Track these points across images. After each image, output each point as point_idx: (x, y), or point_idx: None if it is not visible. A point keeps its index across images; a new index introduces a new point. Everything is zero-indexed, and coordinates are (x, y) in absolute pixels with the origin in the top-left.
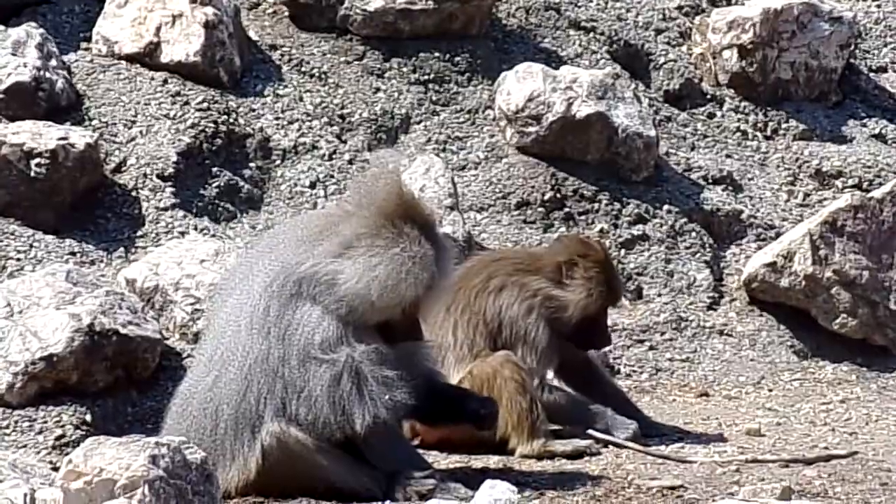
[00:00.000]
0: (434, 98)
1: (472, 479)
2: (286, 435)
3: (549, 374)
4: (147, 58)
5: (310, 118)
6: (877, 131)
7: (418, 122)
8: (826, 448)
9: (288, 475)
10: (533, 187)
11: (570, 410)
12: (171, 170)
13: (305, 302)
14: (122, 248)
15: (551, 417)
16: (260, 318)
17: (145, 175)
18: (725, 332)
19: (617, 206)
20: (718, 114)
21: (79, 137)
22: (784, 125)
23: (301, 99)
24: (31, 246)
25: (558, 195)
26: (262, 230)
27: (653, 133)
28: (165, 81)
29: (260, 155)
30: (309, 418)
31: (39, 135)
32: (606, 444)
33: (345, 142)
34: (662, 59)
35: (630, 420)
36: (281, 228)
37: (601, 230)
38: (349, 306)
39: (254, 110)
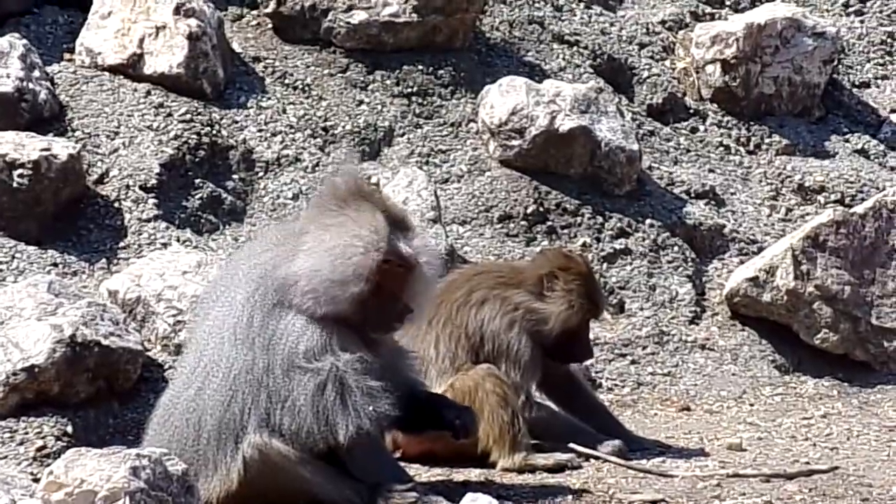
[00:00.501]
0: (417, 111)
1: (454, 492)
2: (268, 447)
3: (534, 390)
4: (130, 69)
5: (293, 130)
6: (859, 146)
7: (401, 135)
8: (807, 463)
9: (270, 487)
10: (516, 201)
11: (555, 428)
12: (153, 181)
13: (289, 311)
14: (104, 260)
15: (536, 434)
16: (244, 328)
17: (128, 186)
18: (707, 346)
19: (599, 219)
20: (701, 128)
21: (61, 148)
22: (767, 140)
23: (284, 111)
24: (13, 257)
25: (541, 209)
26: (244, 242)
27: (636, 147)
28: (149, 93)
29: (243, 167)
30: (293, 428)
31: (22, 145)
32: (588, 457)
33: (328, 154)
34: (646, 74)
35: (614, 439)
36: (260, 238)
37: (584, 244)
38: (310, 293)
39: (237, 122)
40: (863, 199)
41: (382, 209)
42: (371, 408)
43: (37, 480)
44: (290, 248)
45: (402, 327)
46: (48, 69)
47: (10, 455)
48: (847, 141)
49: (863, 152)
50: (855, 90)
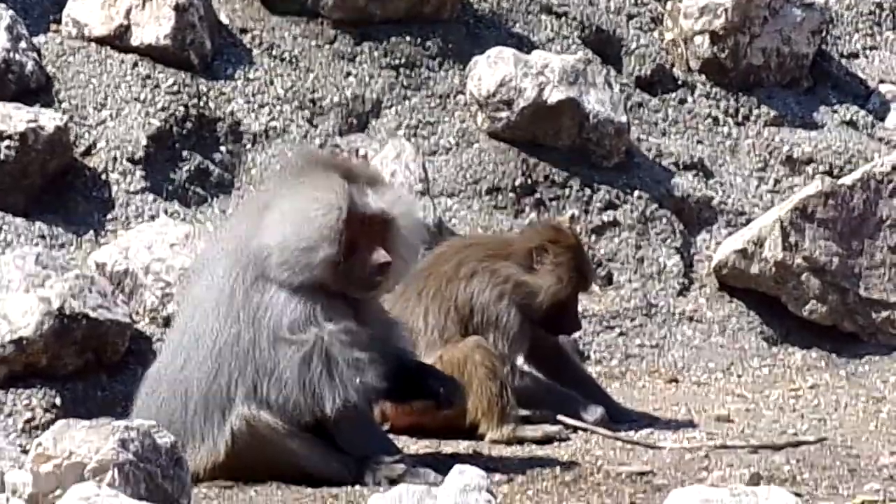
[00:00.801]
0: (405, 83)
1: (442, 464)
2: (256, 419)
3: (520, 360)
4: (117, 40)
5: (280, 102)
6: (848, 118)
7: (389, 107)
8: (795, 434)
9: (257, 459)
10: (504, 173)
11: (540, 395)
12: (141, 153)
13: (271, 284)
14: (91, 232)
15: (522, 402)
16: (227, 302)
17: (115, 158)
18: (695, 318)
19: (588, 191)
20: (690, 100)
21: (48, 120)
22: (755, 111)
23: (272, 83)
24: (0, 228)
25: (529, 181)
26: (231, 214)
27: (624, 119)
28: (136, 64)
29: (230, 139)
30: (279, 401)
31: (9, 117)
32: (576, 429)
33: (315, 126)
34: (634, 45)
35: (598, 405)
36: (234, 213)
37: (572, 216)
38: (283, 265)
39: (224, 94)
40: (851, 170)
41: (340, 170)
42: (358, 380)
43: (25, 452)
44: (257, 222)
45: (385, 283)
46: (35, 40)
47: None
48: (835, 112)
49: (851, 123)
50: (843, 61)
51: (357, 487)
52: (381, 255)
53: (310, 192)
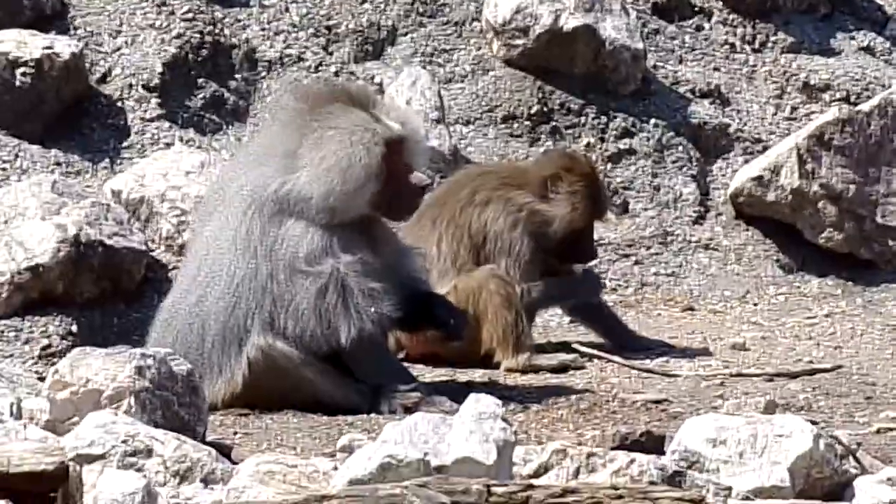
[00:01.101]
0: (420, 10)
1: (458, 392)
2: (272, 348)
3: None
4: None
5: (296, 29)
6: (865, 44)
7: (405, 34)
8: (811, 362)
9: (274, 388)
10: (519, 101)
11: (551, 294)
12: (156, 80)
13: (288, 218)
14: (107, 159)
15: (539, 311)
16: (244, 238)
17: (131, 86)
18: (711, 246)
19: (604, 119)
20: (706, 26)
21: (64, 47)
22: (772, 38)
23: (287, 10)
24: (16, 156)
25: (545, 109)
26: (247, 142)
27: (640, 46)
28: None
29: (246, 66)
30: (296, 332)
31: (25, 44)
32: (591, 357)
33: (331, 53)
34: None
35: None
36: (240, 153)
37: (588, 144)
38: (328, 210)
39: (239, 21)
40: (868, 97)
41: (359, 101)
42: (373, 309)
43: (42, 379)
44: (284, 167)
45: (421, 202)
46: None
47: (15, 354)
48: (853, 38)
49: (869, 50)
50: None
51: (372, 415)
52: (419, 178)
53: (344, 134)
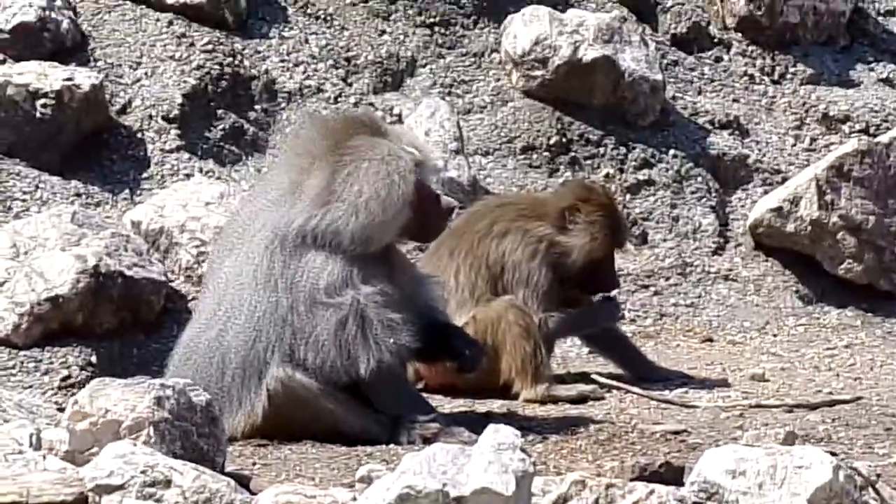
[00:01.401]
0: (440, 41)
1: (476, 422)
2: (292, 380)
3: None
4: None
5: (315, 61)
6: (884, 75)
7: (424, 66)
8: (830, 393)
9: (293, 419)
10: (539, 131)
11: (570, 324)
12: (176, 111)
13: (309, 249)
14: (127, 190)
15: (557, 341)
16: (265, 273)
17: (150, 117)
18: (730, 277)
19: (623, 150)
20: (726, 58)
21: (84, 78)
22: (791, 69)
23: (307, 41)
24: (36, 187)
25: (564, 139)
26: (266, 175)
27: (659, 77)
28: (171, 23)
29: (265, 97)
30: (316, 363)
31: (45, 75)
32: (610, 388)
33: (350, 84)
34: (670, 2)
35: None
36: (258, 189)
37: (607, 175)
38: (364, 240)
39: (259, 52)
40: (888, 129)
41: (377, 132)
42: (392, 340)
43: (62, 410)
44: (313, 202)
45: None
46: None
47: (35, 384)
48: (872, 70)
49: (888, 81)
50: (881, 18)
51: (391, 446)
52: (447, 201)
53: (376, 165)
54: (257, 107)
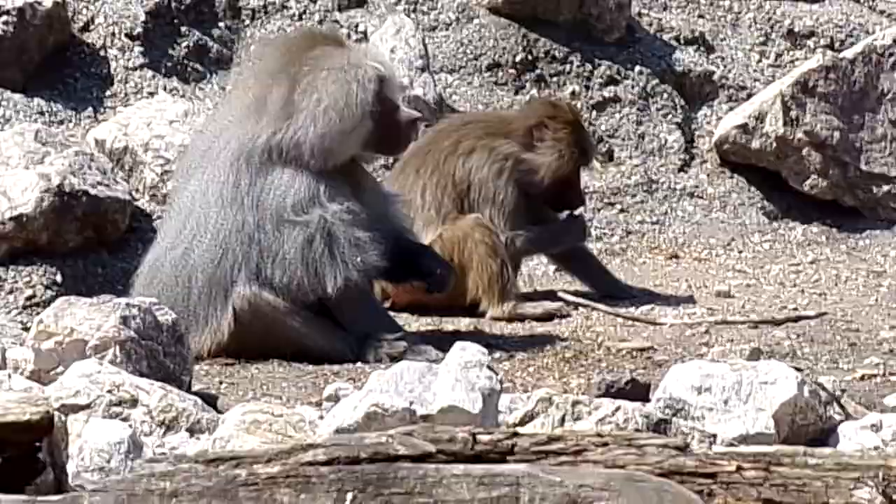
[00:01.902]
0: None
1: (444, 341)
2: (258, 298)
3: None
4: None
5: None
6: None
7: None
8: (795, 309)
9: (260, 338)
10: (504, 49)
11: (536, 242)
12: (139, 29)
13: (275, 167)
14: (90, 108)
15: (524, 259)
16: (231, 190)
17: (114, 34)
18: (696, 194)
19: (588, 67)
20: None
21: None
22: None
23: None
24: None
25: (530, 57)
26: (230, 94)
27: None
28: None
29: (229, 14)
30: (283, 281)
31: None
32: (577, 306)
33: (314, 1)
34: None
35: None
36: (222, 107)
37: (573, 92)
38: (323, 152)
39: None
40: (852, 44)
41: (338, 44)
42: (359, 259)
43: (27, 329)
44: (276, 117)
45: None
46: None
47: None
48: None
49: None
50: None
51: (358, 364)
52: (409, 113)
53: (335, 73)
54: (221, 24)
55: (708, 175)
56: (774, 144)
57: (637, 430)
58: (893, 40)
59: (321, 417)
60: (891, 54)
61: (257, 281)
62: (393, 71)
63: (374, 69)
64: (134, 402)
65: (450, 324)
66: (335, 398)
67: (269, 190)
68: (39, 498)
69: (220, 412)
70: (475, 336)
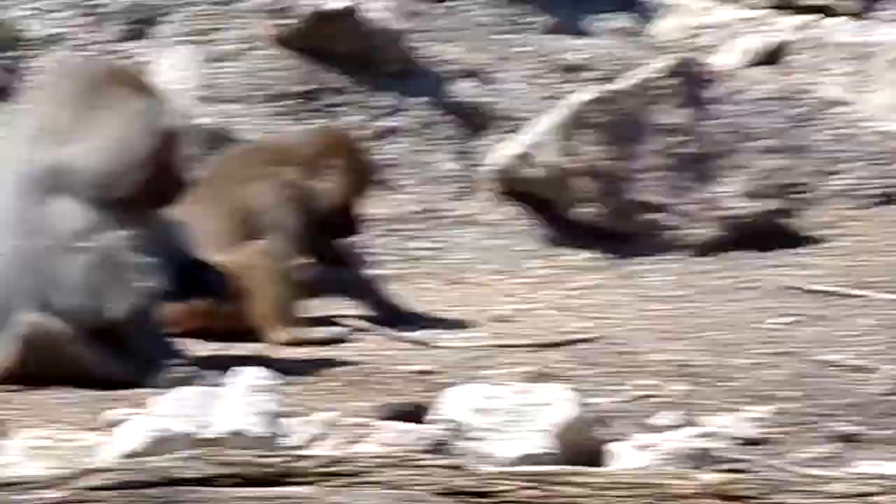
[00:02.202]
0: None
1: (229, 366)
2: (44, 325)
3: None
4: None
5: (62, 8)
6: (618, 26)
7: (172, 13)
8: (572, 333)
9: (46, 364)
10: (287, 79)
11: (319, 268)
12: None
13: (56, 194)
14: None
15: (312, 293)
16: (14, 216)
17: None
18: (475, 221)
19: (370, 98)
20: (470, 8)
21: None
22: (531, 19)
23: None
24: None
25: (312, 88)
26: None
27: (405, 26)
28: None
29: (13, 43)
30: (68, 307)
31: None
32: (361, 330)
33: (98, 32)
34: None
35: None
36: (5, 136)
37: (354, 122)
38: (96, 184)
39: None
40: (624, 77)
41: (135, 85)
42: (143, 284)
43: None
44: (56, 142)
45: (183, 197)
46: None
47: None
48: (606, 21)
49: (621, 31)
50: None
51: (143, 390)
52: (183, 172)
53: (119, 117)
54: (3, 54)
55: (486, 203)
56: (550, 173)
57: (418, 452)
58: (663, 73)
59: (105, 443)
60: (659, 87)
61: (42, 307)
62: (175, 107)
63: (159, 126)
64: None
65: (235, 349)
66: (118, 423)
67: (53, 216)
68: None
69: (3, 439)
70: (260, 360)
